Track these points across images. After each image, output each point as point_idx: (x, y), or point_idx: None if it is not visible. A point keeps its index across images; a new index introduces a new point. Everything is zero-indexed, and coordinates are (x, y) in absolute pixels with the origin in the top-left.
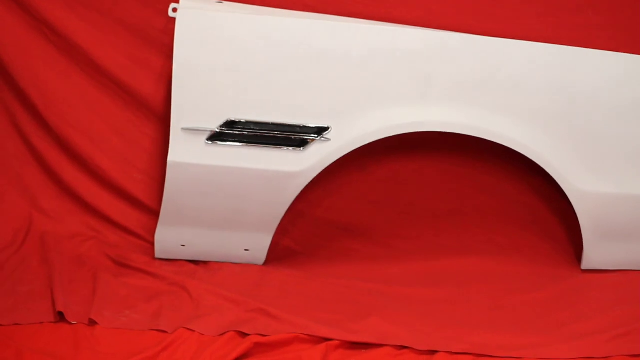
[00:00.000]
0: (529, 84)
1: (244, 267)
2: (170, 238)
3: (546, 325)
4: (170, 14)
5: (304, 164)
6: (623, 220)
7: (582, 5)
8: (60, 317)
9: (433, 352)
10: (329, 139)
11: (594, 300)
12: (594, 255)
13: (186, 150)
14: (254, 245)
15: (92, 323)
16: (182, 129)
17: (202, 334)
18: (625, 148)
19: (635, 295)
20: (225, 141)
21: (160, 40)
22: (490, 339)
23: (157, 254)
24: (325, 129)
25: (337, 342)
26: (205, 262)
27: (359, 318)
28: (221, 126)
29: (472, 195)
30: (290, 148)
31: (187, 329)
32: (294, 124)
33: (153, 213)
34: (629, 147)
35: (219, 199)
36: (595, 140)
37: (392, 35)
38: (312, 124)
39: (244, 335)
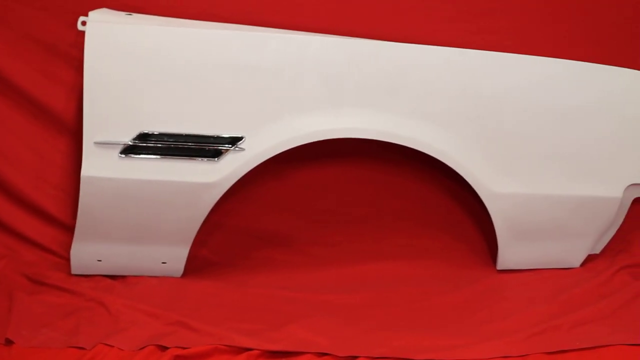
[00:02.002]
0: (440, 88)
1: (162, 280)
2: (86, 253)
3: (464, 326)
4: (80, 27)
5: (219, 174)
6: (535, 220)
7: (492, 9)
8: None
9: (354, 358)
10: (243, 149)
11: (510, 299)
12: (509, 255)
13: (100, 165)
14: (172, 257)
15: (9, 343)
16: (95, 143)
17: (122, 349)
18: (535, 149)
19: (550, 294)
20: (139, 154)
21: (70, 54)
22: (410, 342)
23: (74, 270)
24: (239, 138)
25: (257, 351)
26: (122, 277)
27: (278, 327)
28: (134, 139)
29: (388, 200)
30: (205, 159)
31: (106, 344)
32: (208, 134)
33: (68, 229)
34: (539, 148)
35: (135, 212)
36: (506, 142)
37: (303, 44)
38: (226, 134)
39: (163, 348)
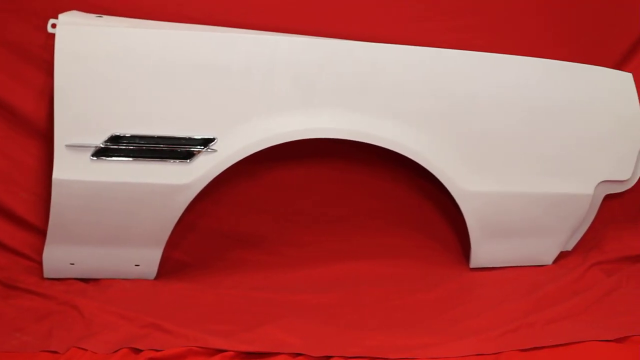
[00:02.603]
0: (412, 87)
1: (135, 282)
2: (59, 257)
3: (438, 324)
4: (50, 29)
5: (191, 176)
6: (508, 218)
7: (464, 7)
8: None
9: (328, 358)
10: (215, 150)
11: (483, 297)
12: (482, 253)
13: (71, 167)
14: (145, 260)
15: None
16: (66, 145)
17: (95, 353)
18: (507, 148)
19: (522, 291)
20: (111, 156)
21: (40, 57)
22: (384, 341)
23: (46, 274)
24: (211, 140)
25: (231, 353)
26: (95, 280)
27: (252, 327)
28: (106, 141)
29: (361, 199)
30: (177, 160)
31: (79, 348)
32: (180, 136)
33: (40, 232)
34: (511, 147)
35: (107, 215)
36: (478, 141)
37: (273, 44)
38: (198, 135)
39: (137, 351)
